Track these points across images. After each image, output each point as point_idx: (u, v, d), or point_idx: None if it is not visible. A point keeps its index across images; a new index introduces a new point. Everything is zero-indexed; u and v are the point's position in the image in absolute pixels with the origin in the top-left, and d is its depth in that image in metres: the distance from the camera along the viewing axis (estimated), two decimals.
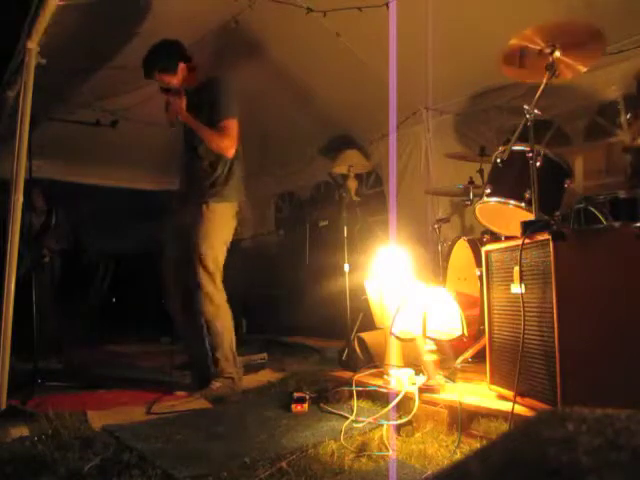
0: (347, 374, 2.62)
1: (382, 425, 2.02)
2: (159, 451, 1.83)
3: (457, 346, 2.51)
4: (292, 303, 4.93)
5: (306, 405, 2.35)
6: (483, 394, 2.10)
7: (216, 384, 2.70)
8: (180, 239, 2.84)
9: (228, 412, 2.44)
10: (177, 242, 2.88)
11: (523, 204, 2.26)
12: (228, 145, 2.79)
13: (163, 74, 2.83)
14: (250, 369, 3.30)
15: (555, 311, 1.69)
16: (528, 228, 1.89)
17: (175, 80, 2.85)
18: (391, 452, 1.78)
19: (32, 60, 2.54)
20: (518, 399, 1.80)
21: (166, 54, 2.84)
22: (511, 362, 1.96)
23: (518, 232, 1.96)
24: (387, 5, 3.13)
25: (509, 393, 1.92)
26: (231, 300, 2.95)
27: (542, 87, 2.13)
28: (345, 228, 3.49)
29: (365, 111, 4.47)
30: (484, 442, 1.79)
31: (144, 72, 2.85)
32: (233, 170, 2.90)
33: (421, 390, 2.11)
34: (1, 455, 1.78)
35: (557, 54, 2.15)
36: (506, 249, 2.07)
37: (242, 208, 3.02)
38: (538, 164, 2.15)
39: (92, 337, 5.01)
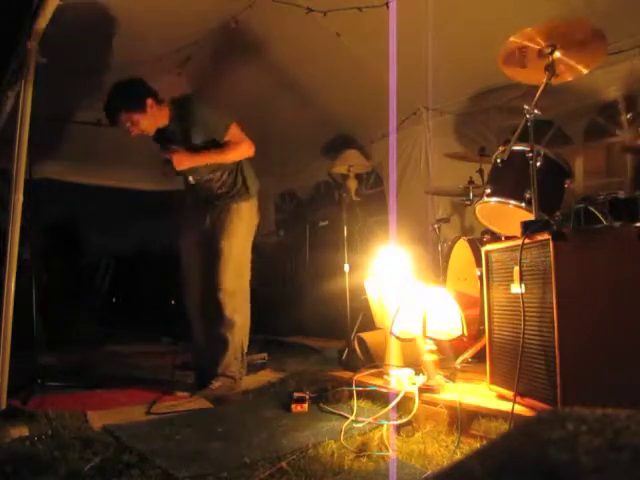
0: (347, 374, 2.62)
1: (382, 425, 2.02)
2: (159, 451, 1.83)
3: (457, 346, 2.51)
4: (292, 303, 4.93)
5: (306, 405, 2.35)
6: (483, 394, 2.10)
7: (216, 383, 2.70)
8: (203, 239, 2.85)
9: (228, 412, 2.44)
10: (200, 242, 2.87)
11: (523, 204, 2.26)
12: (245, 149, 2.75)
13: (131, 113, 2.60)
14: (250, 369, 3.30)
15: (555, 311, 1.69)
16: (528, 228, 1.89)
17: (146, 120, 2.64)
18: (391, 452, 1.78)
19: (32, 60, 2.54)
20: (518, 399, 1.80)
21: (130, 91, 2.62)
22: (511, 362, 1.96)
23: (518, 232, 1.96)
24: (387, 5, 3.13)
25: (509, 393, 1.92)
26: None
27: (542, 87, 2.13)
28: (345, 228, 3.49)
29: (365, 111, 4.47)
30: (484, 442, 1.79)
31: (109, 118, 2.63)
32: (246, 165, 2.91)
33: (421, 390, 2.11)
34: (1, 455, 1.78)
35: (557, 54, 2.15)
36: (506, 249, 2.07)
37: None
38: (538, 164, 2.15)
39: (92, 337, 5.01)
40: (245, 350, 2.85)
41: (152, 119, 2.67)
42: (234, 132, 2.74)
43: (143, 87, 2.65)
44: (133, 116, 2.60)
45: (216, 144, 2.73)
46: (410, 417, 2.01)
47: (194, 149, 2.70)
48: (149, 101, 2.62)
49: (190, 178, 2.84)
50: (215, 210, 2.84)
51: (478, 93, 3.92)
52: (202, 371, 2.87)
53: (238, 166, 2.88)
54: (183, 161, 2.63)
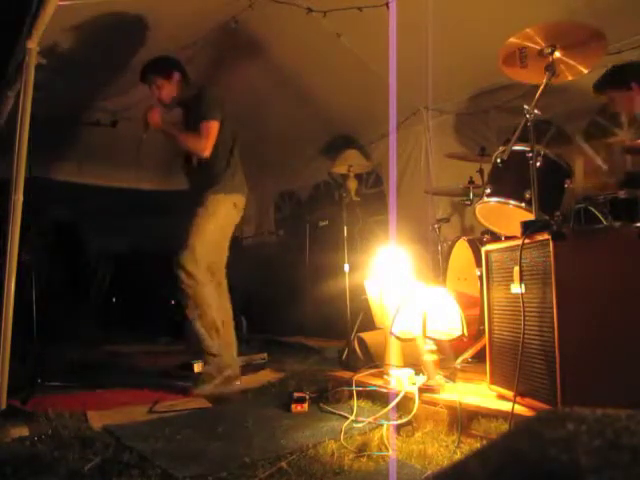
0: (347, 374, 2.62)
1: (382, 425, 2.02)
2: (159, 451, 1.83)
3: (457, 346, 2.51)
4: (292, 303, 4.93)
5: (306, 405, 2.35)
6: (483, 394, 2.10)
7: (206, 367, 2.83)
8: None
9: (228, 412, 2.44)
10: None
11: (523, 204, 2.26)
12: (203, 146, 2.87)
13: (158, 76, 2.99)
14: (250, 369, 3.30)
15: (555, 311, 1.69)
16: (528, 228, 1.89)
17: (167, 88, 3.00)
18: (391, 452, 1.78)
19: (32, 60, 2.54)
20: (518, 399, 1.80)
21: (164, 60, 3.03)
22: (511, 362, 1.96)
23: (518, 232, 1.96)
24: (387, 5, 3.14)
25: (509, 393, 1.92)
26: (231, 299, 3.01)
27: (542, 87, 2.13)
28: (345, 228, 3.49)
29: (365, 111, 4.47)
30: (484, 442, 1.79)
31: (141, 75, 3.04)
32: (230, 164, 2.99)
33: (421, 390, 2.11)
34: (1, 455, 1.78)
35: (557, 54, 2.15)
36: (506, 249, 2.07)
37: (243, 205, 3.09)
38: (538, 164, 2.15)
39: (92, 337, 5.01)
40: (219, 327, 2.87)
41: (172, 91, 3.02)
42: (210, 125, 2.87)
43: (175, 63, 3.06)
44: (158, 80, 2.99)
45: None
46: (410, 417, 2.01)
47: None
48: (176, 74, 3.02)
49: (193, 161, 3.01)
50: (199, 199, 2.94)
51: (478, 93, 3.92)
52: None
53: (222, 158, 2.97)
54: (156, 119, 2.91)
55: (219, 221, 2.94)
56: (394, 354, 2.49)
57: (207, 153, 2.89)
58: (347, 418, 2.12)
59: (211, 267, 2.94)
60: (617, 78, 2.72)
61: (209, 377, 2.78)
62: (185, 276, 2.81)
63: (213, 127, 2.88)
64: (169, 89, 3.01)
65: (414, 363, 2.39)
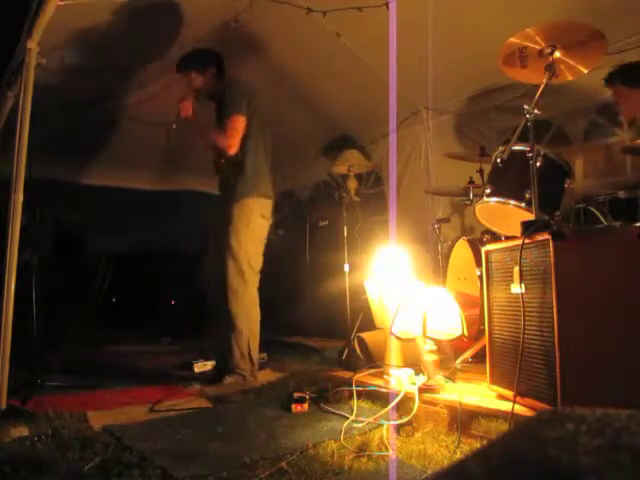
0: (347, 374, 2.62)
1: (382, 425, 2.02)
2: (159, 451, 1.83)
3: (457, 346, 2.51)
4: (292, 303, 4.93)
5: (306, 405, 2.35)
6: (483, 394, 2.10)
7: (229, 379, 2.82)
8: (218, 238, 2.94)
9: (228, 412, 2.44)
10: (216, 241, 2.98)
11: (523, 204, 2.26)
12: (229, 144, 2.86)
13: (192, 70, 3.04)
14: None
15: (555, 311, 1.69)
16: (528, 228, 1.89)
17: (201, 81, 3.05)
18: (391, 452, 1.78)
19: (32, 60, 2.53)
20: (518, 399, 1.80)
21: (201, 54, 3.10)
22: (511, 362, 1.97)
23: (518, 232, 1.96)
24: (387, 5, 3.14)
25: (509, 393, 1.92)
26: None
27: (542, 87, 2.13)
28: (345, 228, 3.49)
29: (365, 111, 4.47)
30: (484, 442, 1.79)
31: (177, 67, 3.10)
32: (256, 166, 2.99)
33: (421, 390, 2.11)
34: (1, 455, 1.77)
35: (557, 54, 2.15)
36: (506, 249, 2.07)
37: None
38: (538, 164, 2.15)
39: (92, 337, 5.01)
40: (252, 349, 2.89)
41: (206, 84, 3.06)
42: (234, 121, 2.87)
43: (213, 58, 3.10)
44: (192, 73, 3.05)
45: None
46: (410, 417, 2.01)
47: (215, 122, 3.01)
48: (211, 69, 3.06)
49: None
50: (226, 205, 2.93)
51: (478, 93, 3.92)
52: (219, 366, 2.98)
53: (248, 160, 2.95)
54: (188, 110, 2.91)
55: (253, 226, 2.92)
56: (394, 354, 2.49)
57: (233, 150, 2.87)
58: (347, 418, 2.12)
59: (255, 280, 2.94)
60: (627, 75, 2.70)
61: (225, 388, 2.79)
62: (231, 293, 2.81)
63: (238, 121, 2.86)
64: (202, 82, 3.04)
65: (414, 363, 2.39)
